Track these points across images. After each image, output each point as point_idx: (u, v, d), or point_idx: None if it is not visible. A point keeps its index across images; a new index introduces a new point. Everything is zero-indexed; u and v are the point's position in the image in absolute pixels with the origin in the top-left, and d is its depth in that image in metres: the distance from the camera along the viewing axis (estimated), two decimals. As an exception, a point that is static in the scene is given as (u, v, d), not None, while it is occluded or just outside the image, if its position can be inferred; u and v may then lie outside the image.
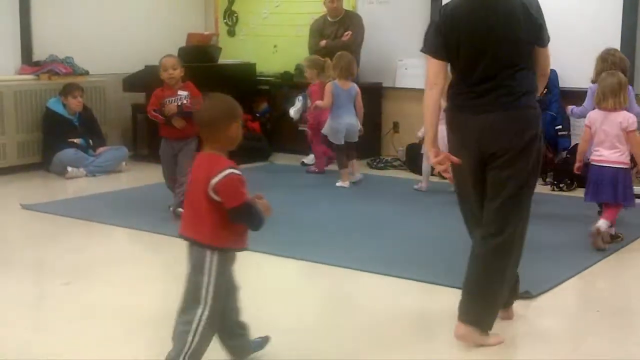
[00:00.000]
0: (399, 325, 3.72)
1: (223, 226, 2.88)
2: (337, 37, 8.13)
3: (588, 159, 5.19)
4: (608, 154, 4.99)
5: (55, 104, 7.56)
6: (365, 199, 6.50)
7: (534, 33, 3.41)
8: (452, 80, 3.55)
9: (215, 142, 2.92)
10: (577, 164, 5.30)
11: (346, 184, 6.87)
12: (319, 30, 8.28)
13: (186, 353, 2.88)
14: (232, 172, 2.84)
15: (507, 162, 3.38)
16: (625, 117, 4.96)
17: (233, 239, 2.93)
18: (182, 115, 5.58)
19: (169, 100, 5.65)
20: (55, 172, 7.37)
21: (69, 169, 7.23)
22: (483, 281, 3.45)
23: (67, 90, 7.54)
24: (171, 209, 5.62)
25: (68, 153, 7.33)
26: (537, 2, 3.45)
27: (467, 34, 3.42)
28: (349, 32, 8.07)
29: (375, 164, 7.96)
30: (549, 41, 3.48)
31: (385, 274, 4.42)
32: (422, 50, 3.56)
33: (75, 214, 5.80)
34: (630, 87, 5.26)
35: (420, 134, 6.41)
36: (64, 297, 4.12)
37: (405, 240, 5.16)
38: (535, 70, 3.49)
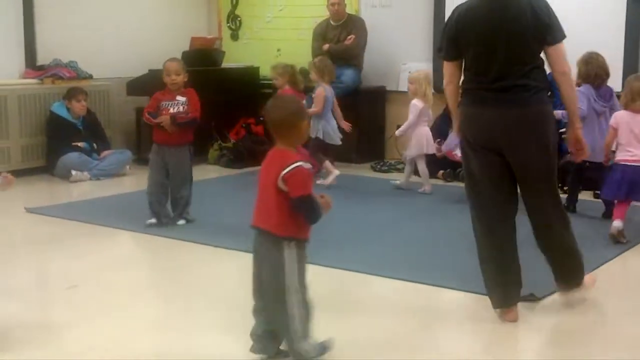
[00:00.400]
0: (405, 328, 3.71)
1: (290, 216, 3.06)
2: (340, 40, 8.14)
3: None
4: None
5: (59, 108, 7.57)
6: (369, 202, 6.49)
7: (542, 32, 3.55)
8: (465, 78, 3.76)
9: (287, 138, 3.13)
10: (605, 158, 5.41)
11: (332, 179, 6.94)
12: (322, 34, 8.29)
13: (300, 337, 3.08)
14: (302, 165, 3.05)
15: (523, 155, 3.62)
16: None
17: (302, 228, 3.12)
18: (177, 125, 5.45)
19: (165, 104, 5.55)
20: (59, 176, 7.38)
21: (73, 172, 7.24)
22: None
23: (71, 94, 7.55)
24: (162, 220, 5.48)
25: (72, 157, 7.34)
26: (546, 2, 3.61)
27: (478, 35, 3.61)
28: (352, 36, 8.09)
29: (378, 167, 7.96)
30: (561, 39, 3.61)
31: (390, 277, 4.41)
32: (438, 55, 3.94)
33: (79, 218, 5.80)
34: None
35: (398, 132, 6.67)
36: (69, 300, 4.12)
37: (409, 243, 5.16)
38: (543, 67, 3.63)
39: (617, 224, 5.08)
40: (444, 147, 6.86)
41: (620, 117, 5.29)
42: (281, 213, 3.06)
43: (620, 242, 5.07)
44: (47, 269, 4.86)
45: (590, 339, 3.71)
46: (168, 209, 5.54)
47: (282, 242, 3.07)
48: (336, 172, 6.91)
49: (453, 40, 3.69)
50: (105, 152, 7.62)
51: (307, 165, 3.09)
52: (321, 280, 4.56)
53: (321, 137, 6.95)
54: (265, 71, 9.11)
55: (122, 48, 8.48)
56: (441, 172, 7.23)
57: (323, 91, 6.99)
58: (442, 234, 5.38)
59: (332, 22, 8.26)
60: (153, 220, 5.47)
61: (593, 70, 5.64)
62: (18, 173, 7.31)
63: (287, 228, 3.08)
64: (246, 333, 3.22)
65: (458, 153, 6.44)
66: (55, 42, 8.00)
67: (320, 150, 6.96)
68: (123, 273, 4.62)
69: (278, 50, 9.24)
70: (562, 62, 3.64)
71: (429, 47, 8.05)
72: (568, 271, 3.88)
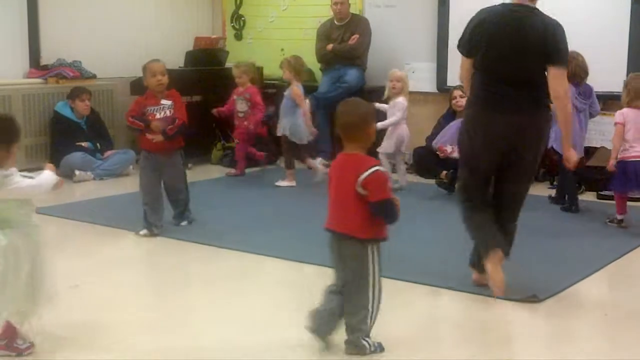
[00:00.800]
0: (406, 329, 3.71)
1: (370, 219, 3.19)
2: (344, 40, 8.14)
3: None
4: None
5: (63, 108, 7.59)
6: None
7: (550, 52, 3.85)
8: (475, 77, 4.02)
9: (358, 141, 3.25)
10: (612, 161, 5.52)
11: (293, 183, 6.98)
12: (325, 33, 8.29)
13: (366, 332, 3.28)
14: (379, 170, 3.19)
15: (524, 156, 3.94)
16: None
17: (381, 229, 3.25)
18: (167, 139, 5.30)
19: (151, 109, 5.34)
20: (63, 176, 7.28)
21: (77, 172, 7.25)
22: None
23: (74, 94, 7.57)
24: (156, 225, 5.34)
25: (76, 156, 7.35)
26: (562, 29, 3.90)
27: (494, 41, 3.91)
28: (356, 36, 8.08)
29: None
30: (564, 65, 3.91)
31: (390, 278, 4.40)
32: (457, 46, 4.09)
33: (82, 217, 5.81)
34: None
35: (380, 125, 6.59)
36: (71, 299, 4.12)
37: (410, 243, 5.14)
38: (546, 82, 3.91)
39: (625, 216, 5.52)
40: (434, 142, 6.86)
41: (626, 114, 5.45)
42: (362, 217, 3.19)
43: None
44: (50, 268, 4.85)
45: (591, 340, 3.70)
46: (162, 217, 5.39)
47: (367, 245, 3.21)
48: (322, 170, 6.85)
49: (471, 38, 3.98)
50: (109, 152, 7.63)
51: (383, 169, 3.24)
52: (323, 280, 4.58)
53: (288, 135, 6.94)
54: (268, 71, 9.13)
55: (126, 48, 8.48)
56: (444, 172, 7.20)
57: (301, 89, 7.00)
58: (441, 234, 5.38)
59: (336, 22, 8.26)
60: (145, 232, 5.30)
61: (572, 69, 5.74)
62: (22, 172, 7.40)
63: (369, 231, 3.21)
64: (249, 329, 3.22)
65: (449, 148, 6.51)
66: (59, 42, 8.01)
67: (291, 148, 6.97)
68: (125, 272, 4.64)
69: (282, 50, 9.22)
70: (559, 85, 3.88)
71: (432, 47, 8.04)
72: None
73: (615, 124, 5.51)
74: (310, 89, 8.29)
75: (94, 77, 8.08)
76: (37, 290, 3.29)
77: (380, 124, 6.77)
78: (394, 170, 6.85)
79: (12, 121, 3.39)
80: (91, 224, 5.67)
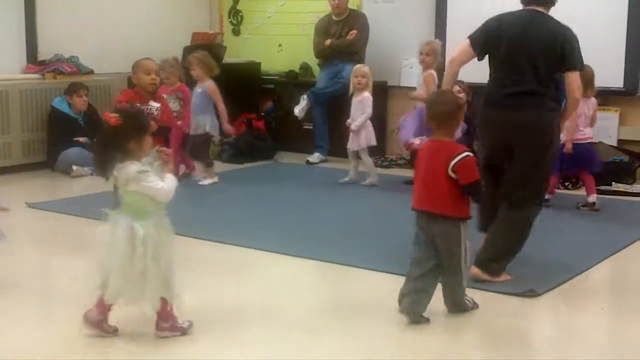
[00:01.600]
0: (406, 324, 3.72)
1: (460, 199, 3.54)
2: (342, 36, 8.13)
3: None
4: (589, 132, 6.03)
5: (60, 103, 7.57)
6: (371, 198, 6.49)
7: (567, 57, 4.11)
8: (490, 79, 4.27)
9: (449, 129, 3.61)
10: (569, 145, 5.89)
11: (215, 179, 6.87)
12: (323, 29, 8.28)
13: (466, 310, 3.71)
14: (468, 155, 3.53)
15: (528, 151, 4.11)
16: (595, 101, 6.06)
17: (467, 209, 3.60)
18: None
19: (138, 107, 5.16)
20: (60, 171, 7.38)
21: (74, 167, 7.24)
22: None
23: (72, 90, 7.55)
24: None
25: (73, 152, 7.34)
26: (576, 36, 4.16)
27: (510, 44, 4.13)
28: (354, 31, 8.08)
29: (380, 162, 7.95)
30: (579, 69, 4.17)
31: (391, 273, 4.41)
32: (468, 36, 4.27)
33: (80, 213, 5.80)
34: None
35: (355, 126, 6.77)
36: (69, 294, 4.12)
37: (411, 238, 5.14)
38: (558, 86, 4.16)
39: (593, 199, 5.91)
40: (401, 136, 6.87)
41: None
42: (452, 197, 3.52)
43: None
44: (48, 263, 4.86)
45: (590, 334, 3.71)
46: None
47: (458, 223, 3.54)
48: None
49: (486, 37, 4.21)
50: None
51: (471, 154, 3.55)
52: (324, 276, 4.58)
53: (208, 131, 6.78)
54: (266, 66, 9.13)
55: (124, 43, 8.47)
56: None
57: (214, 85, 6.82)
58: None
59: (334, 17, 8.25)
60: None
61: None
62: (19, 168, 7.40)
63: (460, 210, 3.56)
64: (254, 326, 3.21)
65: (416, 141, 6.55)
66: (57, 37, 8.00)
67: (206, 145, 6.91)
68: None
69: (279, 45, 9.24)
70: (577, 88, 4.17)
71: (430, 42, 8.04)
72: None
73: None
74: (308, 85, 8.30)
75: (91, 72, 8.07)
76: (173, 278, 3.42)
77: (355, 123, 6.78)
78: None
79: (141, 114, 3.49)
80: (88, 219, 5.65)
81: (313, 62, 8.63)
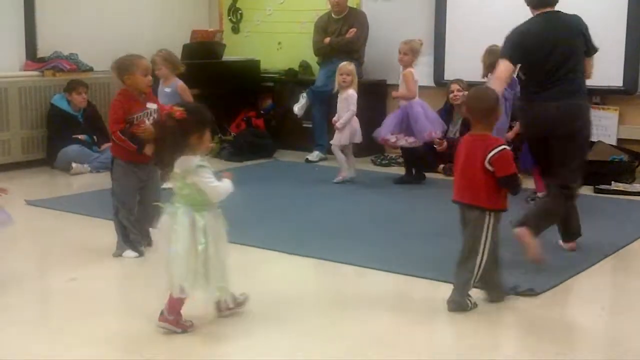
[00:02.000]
0: (402, 322, 3.72)
1: (496, 192, 3.66)
2: (342, 34, 8.13)
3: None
4: None
5: (59, 101, 7.57)
6: (370, 196, 6.49)
7: (584, 45, 4.57)
8: (524, 80, 4.66)
9: (488, 124, 3.74)
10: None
11: None
12: (323, 27, 8.27)
13: (468, 291, 3.75)
14: (505, 148, 3.65)
15: (564, 140, 4.45)
16: None
17: (502, 201, 3.72)
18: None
19: (139, 116, 4.57)
20: (60, 168, 7.38)
21: (74, 165, 7.24)
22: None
23: (71, 87, 7.56)
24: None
25: (72, 149, 7.34)
26: (586, 25, 4.62)
27: (539, 46, 4.49)
28: (354, 29, 8.07)
29: (379, 160, 7.95)
30: (594, 52, 4.65)
31: (390, 271, 4.42)
32: (501, 56, 4.63)
33: (79, 210, 5.80)
34: None
35: (340, 124, 6.78)
36: (70, 293, 4.12)
37: (410, 237, 5.15)
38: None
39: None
40: (376, 133, 6.89)
41: None
42: (488, 189, 3.65)
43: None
44: (48, 261, 4.86)
45: (589, 333, 3.71)
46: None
47: (486, 212, 3.67)
48: None
49: (519, 48, 4.53)
50: (106, 145, 7.57)
51: (508, 148, 3.68)
52: (322, 274, 4.58)
53: None
54: (265, 64, 9.13)
55: (123, 40, 8.41)
56: (442, 166, 7.22)
57: (183, 84, 6.52)
58: (443, 227, 5.38)
59: (333, 15, 8.25)
60: (135, 254, 4.65)
61: (494, 60, 6.17)
62: (18, 165, 7.40)
63: (495, 202, 3.67)
64: (252, 323, 3.21)
65: (392, 139, 6.57)
66: (56, 34, 8.00)
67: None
68: (123, 265, 4.62)
69: (279, 43, 9.24)
70: (592, 71, 4.69)
71: (430, 40, 8.02)
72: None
73: None
74: (307, 83, 8.29)
75: (90, 69, 8.06)
76: (226, 270, 3.51)
77: (340, 121, 6.79)
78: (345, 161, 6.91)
79: (203, 108, 3.53)
80: (88, 217, 5.66)
81: (312, 60, 8.62)
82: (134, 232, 4.68)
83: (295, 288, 4.30)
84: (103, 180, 6.90)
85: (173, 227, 3.40)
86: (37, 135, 7.63)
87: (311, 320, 3.75)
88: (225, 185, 3.46)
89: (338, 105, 6.91)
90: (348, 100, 6.83)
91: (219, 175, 3.51)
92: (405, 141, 6.75)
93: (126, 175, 4.64)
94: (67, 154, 7.31)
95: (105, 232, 5.34)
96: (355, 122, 6.86)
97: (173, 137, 3.38)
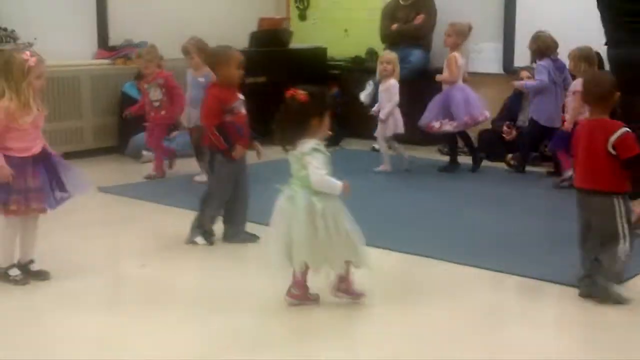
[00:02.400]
0: (470, 316, 3.68)
1: (620, 175, 3.65)
2: (409, 20, 8.07)
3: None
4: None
5: (130, 89, 7.70)
6: (437, 186, 6.44)
7: None
8: None
9: (605, 108, 3.76)
10: (569, 125, 5.88)
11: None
12: (390, 13, 8.21)
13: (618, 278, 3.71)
14: (627, 131, 3.65)
15: None
16: None
17: (627, 183, 3.68)
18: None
19: (237, 106, 4.63)
20: (130, 156, 7.51)
21: (144, 152, 7.35)
22: None
23: (141, 75, 7.65)
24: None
25: (143, 137, 7.44)
26: None
27: None
28: (421, 16, 8.00)
29: (445, 150, 7.86)
30: None
31: (462, 264, 4.38)
32: None
33: (149, 198, 5.90)
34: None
35: (383, 115, 6.66)
36: (140, 279, 4.20)
37: (488, 228, 5.10)
38: None
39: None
40: (421, 123, 6.77)
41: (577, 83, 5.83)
42: (611, 173, 3.65)
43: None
44: (119, 248, 4.94)
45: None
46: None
47: (612, 197, 3.64)
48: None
49: None
50: (175, 133, 7.69)
51: (630, 130, 3.65)
52: (393, 265, 4.55)
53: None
54: (332, 52, 9.10)
55: (192, 29, 8.46)
56: (509, 155, 7.08)
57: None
58: (512, 219, 5.31)
59: (401, 2, 8.19)
60: (204, 242, 4.75)
61: (544, 44, 6.35)
62: (90, 153, 7.56)
63: (618, 184, 3.66)
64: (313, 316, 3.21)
65: (436, 125, 6.52)
66: (127, 23, 8.12)
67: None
68: (192, 253, 4.67)
69: (345, 30, 9.20)
70: None
71: (500, 27, 7.91)
72: None
73: (575, 92, 5.82)
74: (374, 70, 8.24)
75: (161, 58, 8.15)
76: (358, 244, 3.58)
77: (383, 112, 6.68)
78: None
79: (326, 92, 3.68)
80: (158, 204, 5.75)
81: (379, 47, 8.55)
82: (213, 222, 4.78)
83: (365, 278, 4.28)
84: (170, 170, 7.00)
85: (292, 211, 3.49)
86: (109, 122, 7.77)
87: (381, 310, 3.74)
88: (332, 181, 3.50)
89: (379, 95, 6.81)
90: (390, 91, 6.71)
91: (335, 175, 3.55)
92: (450, 126, 6.66)
93: (228, 170, 4.67)
94: (138, 142, 7.42)
95: (175, 219, 5.44)
96: (398, 113, 6.73)
97: (295, 118, 3.47)
